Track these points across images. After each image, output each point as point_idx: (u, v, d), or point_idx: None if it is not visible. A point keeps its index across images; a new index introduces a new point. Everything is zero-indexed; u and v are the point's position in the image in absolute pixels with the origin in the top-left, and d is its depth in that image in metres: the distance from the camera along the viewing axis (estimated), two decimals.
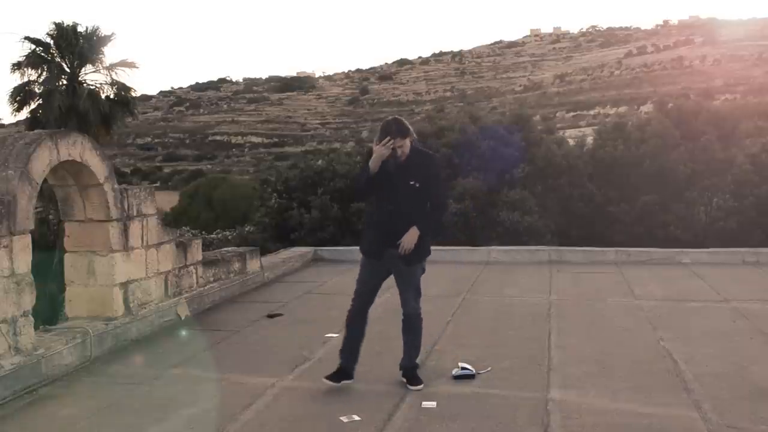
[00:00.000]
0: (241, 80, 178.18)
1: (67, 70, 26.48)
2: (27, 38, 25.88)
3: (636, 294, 8.24)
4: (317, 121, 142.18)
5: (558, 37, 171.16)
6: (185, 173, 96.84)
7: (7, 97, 25.60)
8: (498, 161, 20.24)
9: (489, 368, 5.30)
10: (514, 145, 20.80)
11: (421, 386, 4.91)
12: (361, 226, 5.02)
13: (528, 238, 18.05)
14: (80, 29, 26.36)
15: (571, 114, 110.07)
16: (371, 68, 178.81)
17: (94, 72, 26.93)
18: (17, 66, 25.55)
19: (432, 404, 4.58)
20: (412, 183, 4.81)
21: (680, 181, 19.81)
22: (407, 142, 4.82)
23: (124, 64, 26.78)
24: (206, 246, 10.56)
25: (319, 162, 23.36)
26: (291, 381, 5.16)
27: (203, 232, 25.83)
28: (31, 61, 25.71)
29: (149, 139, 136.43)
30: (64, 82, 26.35)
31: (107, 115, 25.74)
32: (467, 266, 10.57)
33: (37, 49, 26.00)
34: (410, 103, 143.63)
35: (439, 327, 6.71)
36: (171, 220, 30.98)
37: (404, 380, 5.00)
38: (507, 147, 20.61)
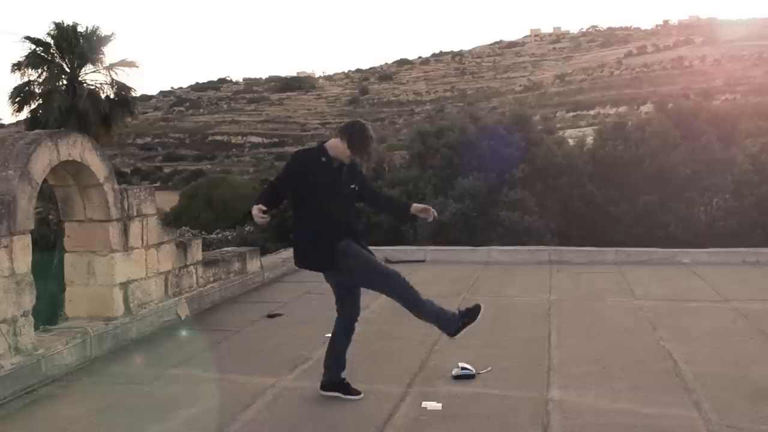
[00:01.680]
0: (241, 80, 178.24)
1: (67, 70, 26.51)
2: (27, 38, 25.95)
3: (636, 294, 8.24)
4: (317, 121, 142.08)
5: (558, 37, 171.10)
6: (185, 173, 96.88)
7: (8, 97, 25.66)
8: (498, 161, 20.24)
9: (489, 368, 5.30)
10: (514, 145, 20.80)
11: (362, 395, 4.70)
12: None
13: (528, 238, 18.05)
14: (80, 29, 26.41)
15: (571, 114, 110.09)
16: (371, 68, 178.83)
17: (94, 72, 26.98)
18: (17, 66, 25.58)
19: (432, 404, 4.58)
20: (353, 186, 4.68)
21: (680, 181, 19.81)
22: None
23: (124, 63, 26.81)
24: (206, 246, 10.56)
25: None
26: (291, 381, 5.16)
27: (203, 232, 25.82)
28: (31, 61, 25.74)
29: (149, 139, 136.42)
30: (64, 82, 26.37)
31: (107, 115, 25.77)
32: (467, 266, 10.56)
33: (37, 49, 26.03)
34: (410, 103, 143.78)
35: None
36: (171, 220, 30.99)
37: (339, 394, 4.72)
38: (507, 147, 20.61)
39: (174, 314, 7.10)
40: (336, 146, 4.56)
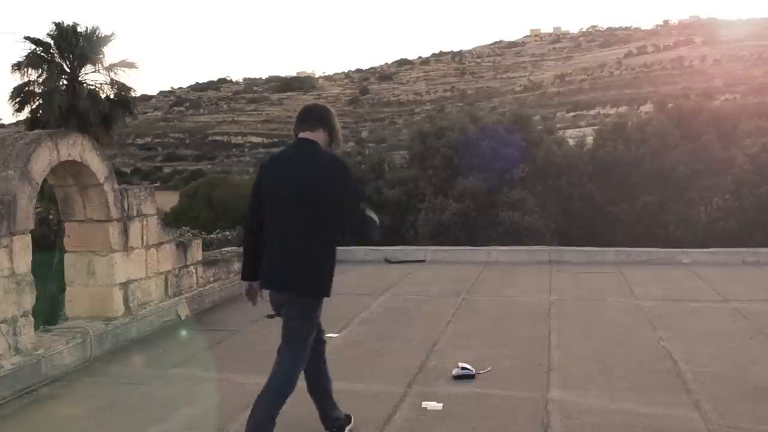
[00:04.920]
0: (241, 80, 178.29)
1: (67, 70, 26.50)
2: (27, 38, 25.95)
3: (636, 294, 8.24)
4: None
5: (558, 37, 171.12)
6: (185, 173, 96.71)
7: (8, 97, 25.67)
8: (498, 161, 20.25)
9: (489, 368, 5.30)
10: (514, 145, 20.80)
11: None
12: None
13: (528, 238, 18.05)
14: (80, 29, 26.40)
15: (571, 114, 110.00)
16: (371, 68, 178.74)
17: (94, 72, 26.97)
18: (17, 66, 25.57)
19: (432, 404, 4.58)
20: None
21: (680, 181, 19.81)
22: None
23: (124, 64, 26.80)
24: (206, 246, 10.56)
25: None
26: None
27: (203, 232, 25.82)
28: (32, 61, 25.73)
29: (149, 139, 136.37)
30: (64, 82, 26.37)
31: (107, 115, 25.76)
32: (467, 266, 10.56)
33: (37, 49, 26.02)
34: (410, 103, 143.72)
35: (439, 327, 6.71)
36: (171, 220, 30.96)
37: None
38: (507, 147, 20.62)
39: (174, 314, 7.10)
40: (321, 142, 3.80)
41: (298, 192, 3.64)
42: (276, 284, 3.81)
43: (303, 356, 3.82)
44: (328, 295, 3.82)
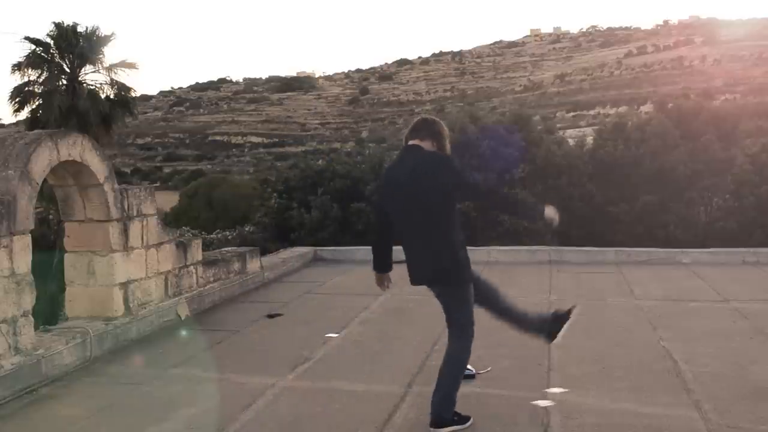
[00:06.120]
0: (241, 80, 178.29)
1: (67, 70, 26.54)
2: (27, 38, 26.01)
3: (636, 294, 8.24)
4: (317, 121, 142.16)
5: (558, 37, 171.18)
6: (185, 173, 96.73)
7: (8, 97, 25.72)
8: (498, 161, 20.22)
9: (489, 368, 5.30)
10: (514, 145, 20.77)
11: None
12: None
13: (528, 238, 18.04)
14: (80, 29, 26.48)
15: (571, 114, 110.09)
16: (371, 68, 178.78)
17: (94, 72, 27.01)
18: (17, 66, 25.61)
19: None
20: None
21: (680, 181, 19.79)
22: None
23: (124, 64, 26.86)
24: (206, 246, 10.56)
25: (319, 162, 23.40)
26: (291, 381, 5.16)
27: (203, 232, 25.82)
28: (31, 61, 25.78)
29: (149, 139, 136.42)
30: (64, 82, 26.40)
31: (107, 115, 25.80)
32: None
33: (37, 49, 26.07)
34: (410, 103, 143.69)
35: (439, 327, 6.69)
36: (171, 220, 30.96)
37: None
38: (507, 147, 20.59)
39: (174, 314, 7.10)
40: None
41: (413, 192, 4.04)
42: (427, 281, 4.33)
43: (472, 331, 4.35)
44: (471, 278, 4.37)
